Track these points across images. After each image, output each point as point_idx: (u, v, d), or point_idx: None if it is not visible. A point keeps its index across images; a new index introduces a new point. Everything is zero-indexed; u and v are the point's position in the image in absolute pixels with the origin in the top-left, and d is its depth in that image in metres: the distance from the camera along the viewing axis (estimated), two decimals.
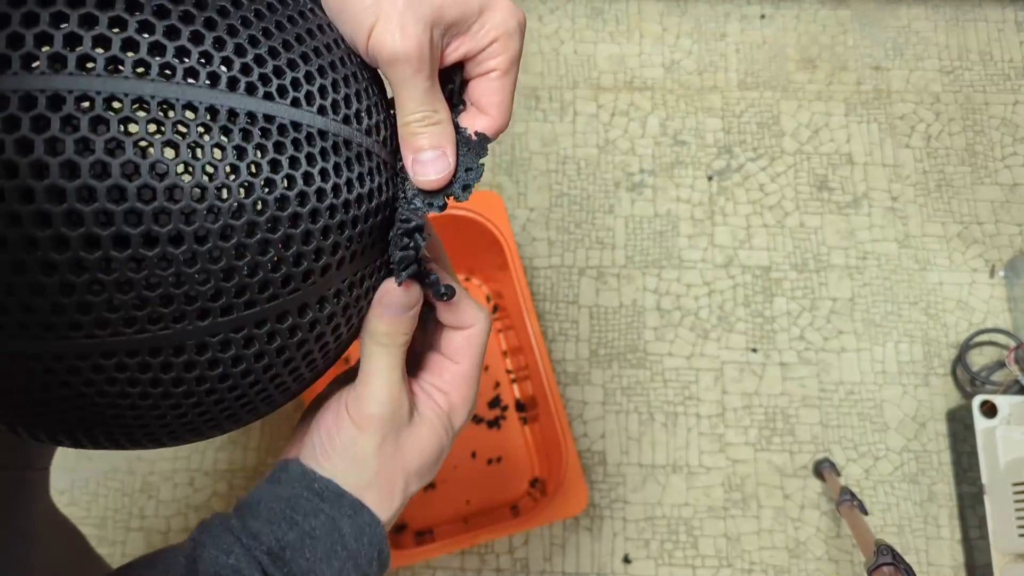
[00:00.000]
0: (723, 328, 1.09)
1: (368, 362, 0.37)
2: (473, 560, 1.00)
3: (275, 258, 0.30)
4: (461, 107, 0.37)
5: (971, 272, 1.11)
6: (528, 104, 1.19)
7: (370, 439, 0.36)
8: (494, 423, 1.03)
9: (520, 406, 1.04)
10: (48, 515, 0.59)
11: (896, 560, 0.67)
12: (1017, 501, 0.91)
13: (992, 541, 0.94)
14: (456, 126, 0.37)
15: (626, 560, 1.01)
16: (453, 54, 0.35)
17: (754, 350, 1.08)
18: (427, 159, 0.35)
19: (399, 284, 0.36)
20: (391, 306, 0.36)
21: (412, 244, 0.35)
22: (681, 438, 1.05)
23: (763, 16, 1.24)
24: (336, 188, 0.32)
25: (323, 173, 0.32)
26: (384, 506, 0.37)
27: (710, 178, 1.16)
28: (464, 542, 0.85)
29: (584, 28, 1.23)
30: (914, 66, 1.21)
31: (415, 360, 0.41)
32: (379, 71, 0.35)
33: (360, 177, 0.33)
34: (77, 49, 0.27)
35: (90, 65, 0.27)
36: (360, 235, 0.34)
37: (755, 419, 1.06)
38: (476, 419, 1.03)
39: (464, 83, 0.38)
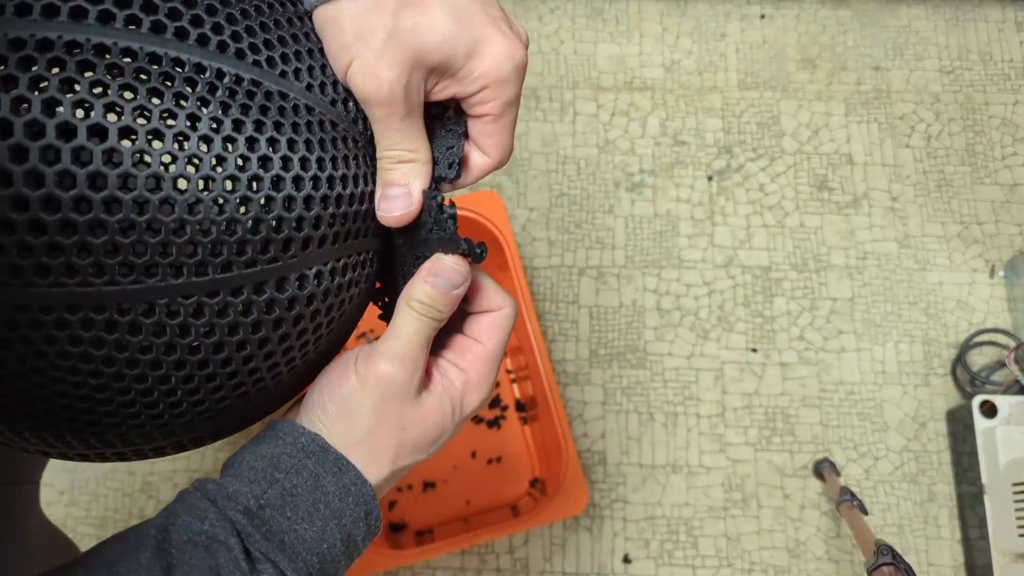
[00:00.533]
0: (723, 328, 1.09)
1: (396, 322, 0.36)
2: (473, 560, 1.00)
3: (255, 218, 0.30)
4: (461, 129, 0.37)
5: (971, 272, 1.11)
6: (528, 104, 1.20)
7: (369, 394, 0.35)
8: (494, 423, 1.03)
9: (520, 406, 1.04)
10: (40, 528, 0.59)
11: (896, 560, 0.67)
12: (1017, 501, 0.91)
13: (992, 541, 0.94)
14: (447, 130, 0.37)
15: (626, 560, 1.01)
16: (441, 93, 0.35)
17: (754, 350, 1.08)
18: (392, 195, 0.35)
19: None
20: (439, 276, 0.35)
21: (455, 226, 0.35)
22: (681, 438, 1.05)
23: (763, 16, 1.24)
24: (320, 161, 0.32)
25: (307, 144, 0.31)
26: (370, 469, 0.35)
27: (710, 178, 1.16)
28: (464, 542, 0.85)
29: (584, 28, 1.23)
30: (914, 66, 1.21)
31: (438, 342, 0.39)
32: None
33: (345, 159, 0.33)
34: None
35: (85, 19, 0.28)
36: (344, 216, 0.33)
37: (755, 419, 1.06)
38: (476, 419, 1.03)
39: (459, 108, 0.38)
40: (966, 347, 1.06)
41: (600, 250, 1.13)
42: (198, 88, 0.29)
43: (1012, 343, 1.06)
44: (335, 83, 0.34)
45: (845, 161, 1.17)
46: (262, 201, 0.30)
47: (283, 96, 0.31)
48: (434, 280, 0.35)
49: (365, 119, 0.35)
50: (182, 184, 0.28)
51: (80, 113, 0.27)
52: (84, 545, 1.00)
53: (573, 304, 1.10)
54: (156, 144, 0.28)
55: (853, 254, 1.12)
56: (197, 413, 0.33)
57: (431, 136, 0.36)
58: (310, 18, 0.34)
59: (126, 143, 0.27)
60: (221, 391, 0.33)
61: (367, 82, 0.32)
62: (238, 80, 0.30)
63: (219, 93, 0.29)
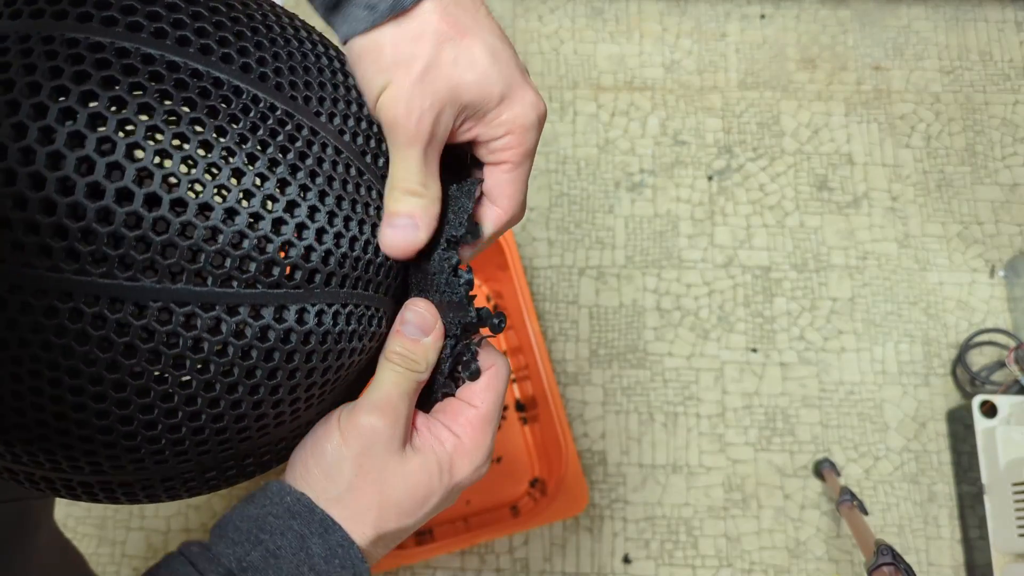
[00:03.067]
0: (723, 328, 1.09)
1: (376, 375, 0.35)
2: (473, 560, 1.00)
3: (263, 236, 0.30)
4: (476, 192, 0.36)
5: (971, 272, 1.11)
6: None
7: (350, 447, 0.33)
8: None
9: (520, 406, 1.04)
10: (52, 541, 0.58)
11: (896, 560, 0.67)
12: (1017, 501, 0.91)
13: (992, 541, 0.94)
14: (461, 186, 0.36)
15: (626, 560, 1.01)
16: (465, 134, 0.34)
17: (754, 350, 1.08)
18: (397, 223, 0.34)
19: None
20: (407, 323, 0.35)
21: (467, 292, 0.35)
22: (681, 438, 1.05)
23: (763, 16, 1.24)
24: (340, 199, 0.32)
25: (330, 180, 0.31)
26: (353, 528, 0.33)
27: (710, 178, 1.16)
28: (464, 542, 0.85)
29: (584, 28, 1.23)
30: (914, 66, 1.21)
31: (432, 404, 0.38)
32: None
33: (365, 207, 0.33)
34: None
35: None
36: (355, 261, 0.33)
37: (755, 419, 1.06)
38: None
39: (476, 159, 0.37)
40: (966, 347, 1.06)
41: (600, 250, 1.13)
42: (232, 109, 0.30)
43: (1012, 343, 1.06)
44: (369, 137, 0.34)
45: (845, 161, 1.17)
46: (273, 220, 0.30)
47: (313, 132, 0.32)
48: (403, 327, 0.35)
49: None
50: (198, 188, 0.29)
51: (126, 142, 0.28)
52: (85, 545, 1.00)
53: (573, 304, 1.10)
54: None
55: (853, 254, 1.12)
56: (171, 440, 0.31)
57: (445, 193, 0.35)
58: (340, 57, 0.34)
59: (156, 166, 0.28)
60: (196, 408, 0.31)
61: (398, 107, 0.32)
62: (272, 108, 0.31)
63: (252, 116, 0.30)
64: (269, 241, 0.30)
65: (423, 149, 0.33)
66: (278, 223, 0.30)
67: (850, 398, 1.07)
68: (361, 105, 0.34)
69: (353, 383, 0.37)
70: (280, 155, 0.30)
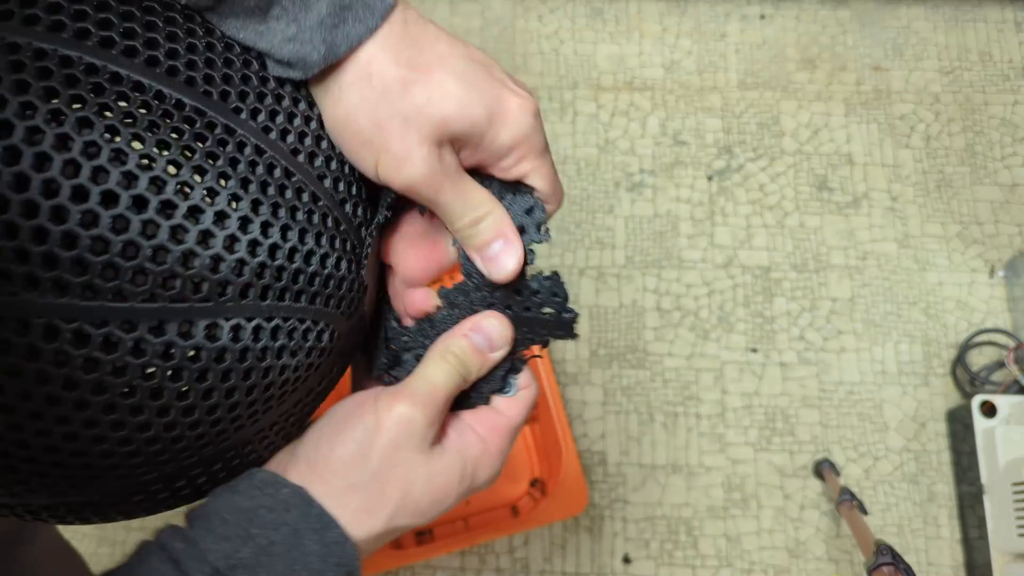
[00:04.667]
0: (723, 328, 1.09)
1: (425, 369, 0.34)
2: (473, 560, 1.00)
3: (158, 245, 0.27)
4: (530, 189, 0.36)
5: (971, 272, 1.11)
6: None
7: (384, 434, 0.32)
8: None
9: None
10: (52, 544, 0.58)
11: (896, 560, 0.67)
12: (1016, 501, 0.91)
13: (992, 541, 0.94)
14: (502, 191, 0.35)
15: (626, 560, 1.01)
16: (467, 161, 0.33)
17: (754, 350, 1.09)
18: (495, 253, 0.34)
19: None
20: (480, 333, 0.35)
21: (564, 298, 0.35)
22: (681, 438, 1.05)
23: (763, 16, 1.24)
24: (256, 203, 0.30)
25: (244, 181, 0.29)
26: (362, 518, 0.32)
27: (710, 178, 1.16)
28: (464, 542, 0.85)
29: (584, 28, 1.23)
30: (914, 66, 1.21)
31: (462, 408, 0.38)
32: None
33: (305, 225, 0.31)
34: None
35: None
36: (278, 271, 0.30)
37: (755, 419, 1.06)
38: None
39: None
40: (966, 347, 1.06)
41: (600, 250, 1.13)
42: (131, 105, 0.28)
43: (1012, 343, 1.06)
44: (303, 135, 0.32)
45: (845, 161, 1.17)
46: (170, 228, 0.27)
47: (228, 131, 0.30)
48: (473, 336, 0.35)
49: (357, 204, 0.34)
50: (84, 190, 0.27)
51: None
52: (85, 546, 1.00)
53: (573, 304, 1.10)
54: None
55: (853, 254, 1.13)
56: (70, 454, 0.29)
57: (502, 201, 0.35)
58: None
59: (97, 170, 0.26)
60: (104, 443, 0.29)
61: (402, 169, 0.31)
62: (179, 104, 0.29)
63: (153, 112, 0.28)
64: (167, 251, 0.27)
65: (452, 185, 0.32)
66: (176, 230, 0.27)
67: (850, 398, 1.07)
68: (296, 101, 0.32)
69: (293, 404, 0.35)
70: (181, 155, 0.28)
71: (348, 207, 0.33)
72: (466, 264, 0.35)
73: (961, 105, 1.19)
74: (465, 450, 0.35)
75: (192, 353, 0.28)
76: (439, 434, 0.35)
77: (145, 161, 0.27)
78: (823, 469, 1.01)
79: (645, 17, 1.24)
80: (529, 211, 0.34)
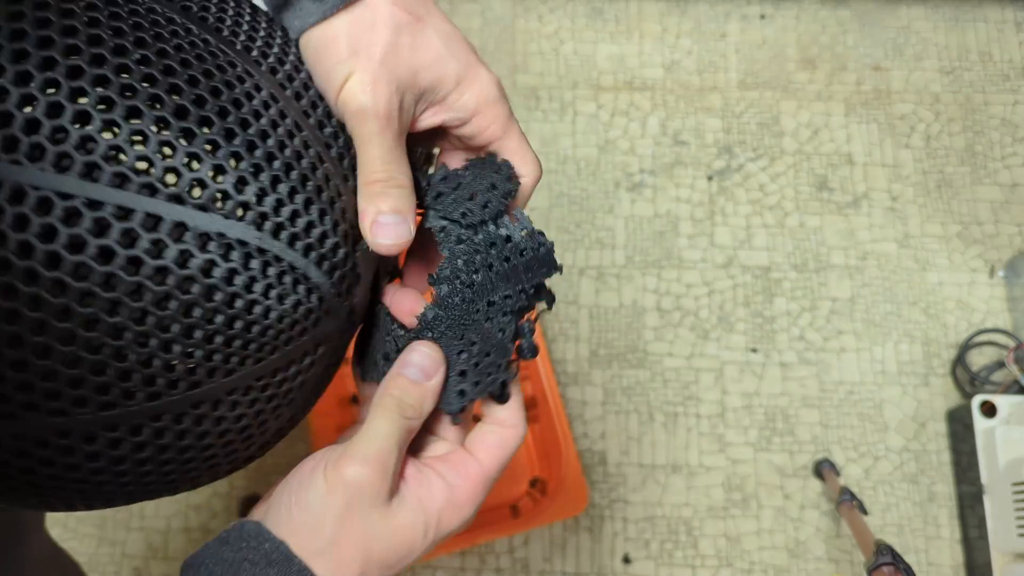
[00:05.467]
0: (723, 328, 1.09)
1: (369, 421, 0.33)
2: (473, 560, 1.00)
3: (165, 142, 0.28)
4: (426, 168, 0.36)
5: (971, 272, 1.11)
6: (528, 104, 1.20)
7: (334, 502, 0.32)
8: None
9: None
10: (43, 549, 0.58)
11: (896, 560, 0.67)
12: (1017, 501, 0.91)
13: (991, 541, 0.94)
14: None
15: (626, 560, 1.01)
16: (429, 119, 0.34)
17: (754, 350, 1.09)
18: (387, 222, 0.33)
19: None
20: (409, 365, 0.34)
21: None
22: (681, 438, 1.05)
23: (763, 16, 1.24)
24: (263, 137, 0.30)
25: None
26: None
27: (710, 178, 1.16)
28: (464, 542, 0.85)
29: (584, 28, 1.23)
30: (914, 66, 1.21)
31: (431, 447, 0.37)
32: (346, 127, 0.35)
33: (298, 153, 0.31)
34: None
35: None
36: (278, 204, 0.30)
37: (755, 419, 1.06)
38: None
39: (430, 156, 0.37)
40: (966, 347, 1.06)
41: (600, 250, 1.13)
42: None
43: (1012, 343, 1.06)
44: (307, 87, 0.33)
45: (845, 161, 1.17)
46: (155, 118, 0.28)
47: (257, 89, 0.30)
48: (404, 370, 0.34)
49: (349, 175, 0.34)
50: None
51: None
52: (85, 546, 1.00)
53: (573, 304, 1.10)
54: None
55: (853, 254, 1.13)
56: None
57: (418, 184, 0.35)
58: (296, 48, 0.34)
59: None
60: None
61: (365, 94, 0.32)
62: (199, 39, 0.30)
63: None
64: (145, 137, 0.27)
65: (395, 135, 0.33)
66: (159, 122, 0.28)
67: (850, 398, 1.07)
68: (299, 56, 0.33)
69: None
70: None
71: (351, 183, 0.34)
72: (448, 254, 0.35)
73: (961, 105, 1.19)
74: (428, 500, 0.34)
75: (179, 255, 0.27)
76: (397, 484, 0.34)
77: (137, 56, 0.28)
78: (823, 469, 1.01)
79: (645, 17, 1.24)
80: (493, 186, 0.34)
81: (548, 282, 0.37)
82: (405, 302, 0.37)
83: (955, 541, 1.01)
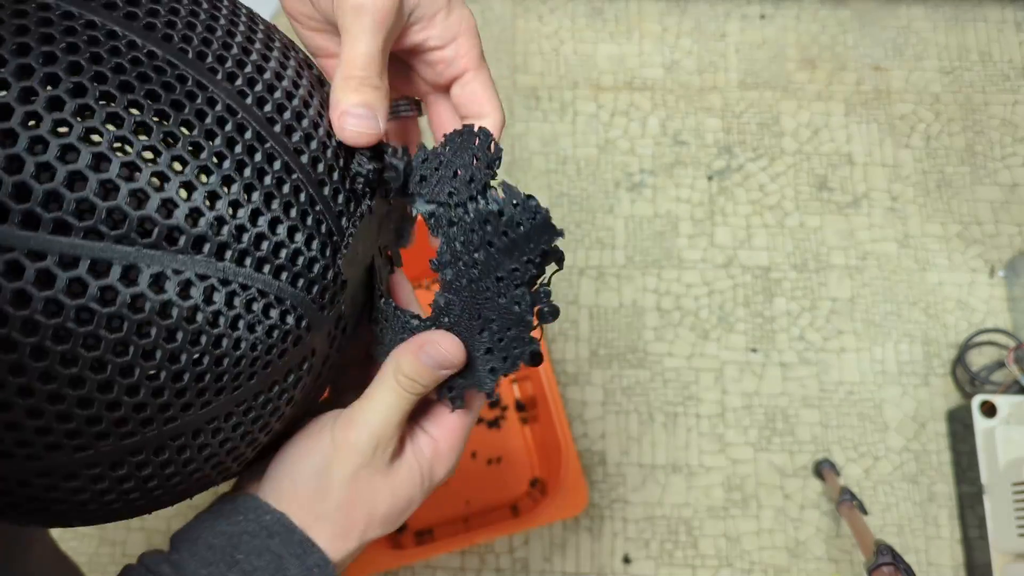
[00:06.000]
0: (723, 328, 1.09)
1: (375, 390, 0.34)
2: (473, 560, 1.00)
3: (138, 190, 0.27)
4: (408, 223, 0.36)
5: (971, 272, 1.11)
6: (528, 104, 1.20)
7: (343, 466, 0.33)
8: (494, 423, 1.03)
9: (520, 406, 1.04)
10: (47, 554, 0.58)
11: (896, 560, 0.67)
12: (1017, 501, 0.91)
13: (992, 541, 0.94)
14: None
15: (626, 560, 1.01)
16: (415, 36, 0.35)
17: (754, 350, 1.09)
18: (357, 112, 0.32)
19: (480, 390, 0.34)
20: (428, 356, 0.34)
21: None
22: (681, 438, 1.05)
23: (763, 16, 1.24)
24: (240, 166, 0.29)
25: (212, 141, 0.28)
26: (337, 544, 0.33)
27: (710, 178, 1.16)
28: (464, 542, 0.85)
29: (584, 28, 1.23)
30: (914, 66, 1.21)
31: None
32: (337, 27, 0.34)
33: (260, 172, 0.30)
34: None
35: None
36: (238, 229, 0.29)
37: (755, 419, 1.06)
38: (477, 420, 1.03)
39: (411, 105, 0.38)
40: (966, 347, 1.06)
41: (600, 250, 1.13)
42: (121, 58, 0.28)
43: (1012, 343, 1.06)
44: (282, 108, 0.31)
45: (845, 161, 1.17)
46: (121, 164, 0.26)
47: (230, 111, 0.29)
48: (424, 357, 0.34)
49: (338, 191, 0.33)
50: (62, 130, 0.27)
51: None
52: (85, 546, 1.00)
53: (573, 304, 1.10)
54: None
55: (853, 254, 1.12)
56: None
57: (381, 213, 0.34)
58: (260, 26, 0.34)
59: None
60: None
61: None
62: (151, 55, 0.29)
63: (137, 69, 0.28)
64: (116, 188, 0.26)
65: (384, 40, 0.33)
66: (129, 167, 0.26)
67: (850, 398, 1.07)
68: (280, 77, 0.31)
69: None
70: (144, 97, 0.27)
71: (327, 190, 0.32)
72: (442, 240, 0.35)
73: (961, 105, 1.19)
74: (420, 455, 0.36)
75: (132, 300, 0.26)
76: (400, 446, 0.35)
77: (104, 101, 0.26)
78: (823, 469, 1.01)
79: (645, 17, 1.24)
80: (475, 157, 0.34)
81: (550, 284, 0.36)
82: (404, 290, 0.38)
83: (955, 541, 1.01)
